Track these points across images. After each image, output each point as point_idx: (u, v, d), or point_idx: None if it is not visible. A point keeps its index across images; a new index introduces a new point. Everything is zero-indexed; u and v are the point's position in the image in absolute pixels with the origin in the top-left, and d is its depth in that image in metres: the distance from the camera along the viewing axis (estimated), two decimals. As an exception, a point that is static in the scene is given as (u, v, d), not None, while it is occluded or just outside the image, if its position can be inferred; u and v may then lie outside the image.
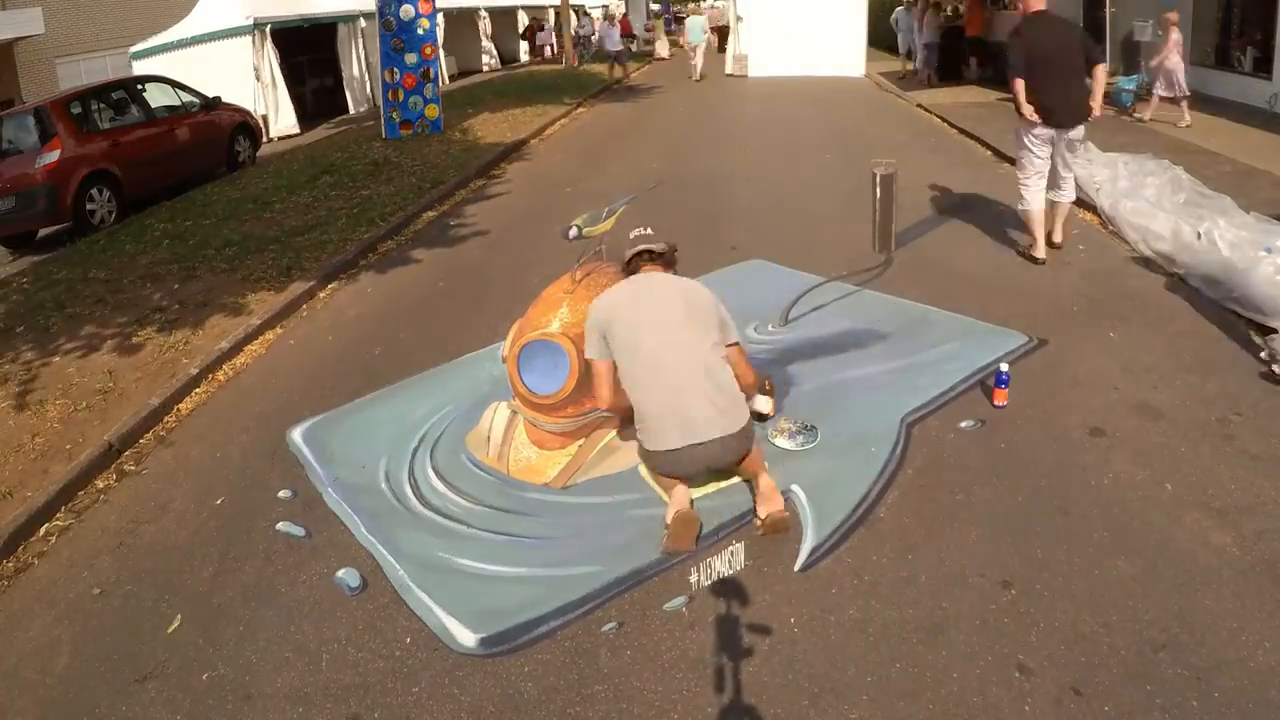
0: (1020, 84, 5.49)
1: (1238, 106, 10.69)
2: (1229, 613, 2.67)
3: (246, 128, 12.17)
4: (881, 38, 23.65)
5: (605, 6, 27.89)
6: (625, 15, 31.18)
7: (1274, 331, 4.42)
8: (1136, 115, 10.68)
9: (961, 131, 10.98)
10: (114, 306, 6.29)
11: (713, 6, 29.10)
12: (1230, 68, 11.58)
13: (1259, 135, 9.11)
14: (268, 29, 14.18)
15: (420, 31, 12.32)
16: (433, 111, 12.79)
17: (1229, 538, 3.00)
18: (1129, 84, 11.19)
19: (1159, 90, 10.04)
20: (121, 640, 2.99)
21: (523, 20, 27.13)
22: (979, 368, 4.32)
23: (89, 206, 9.19)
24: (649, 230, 3.44)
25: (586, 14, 28.88)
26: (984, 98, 13.39)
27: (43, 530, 3.72)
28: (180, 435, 4.48)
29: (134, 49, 15.47)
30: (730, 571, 3.03)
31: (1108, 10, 11.73)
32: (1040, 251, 5.74)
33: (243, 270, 6.83)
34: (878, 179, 5.66)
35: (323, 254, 7.10)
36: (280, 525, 3.53)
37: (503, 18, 25.76)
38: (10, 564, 3.51)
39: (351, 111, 16.62)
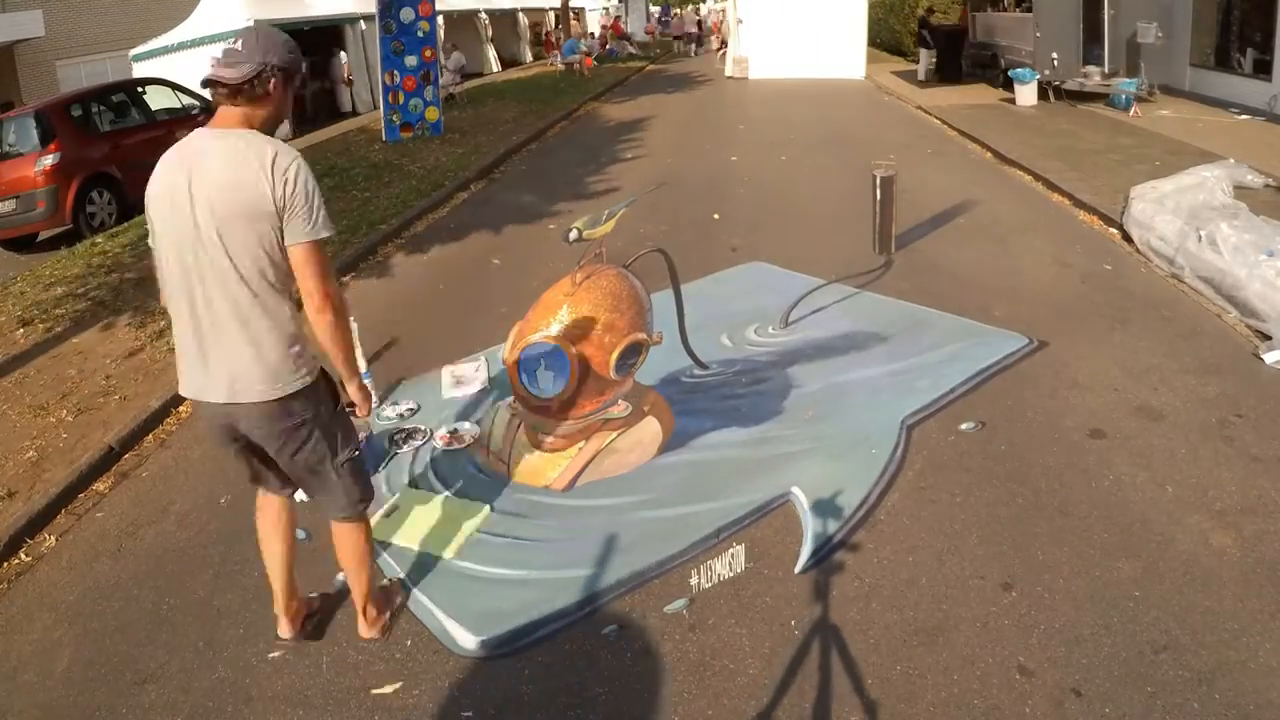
0: None
1: (1237, 108, 10.70)
2: (1230, 614, 2.67)
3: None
4: (883, 39, 23.69)
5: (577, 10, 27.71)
6: (618, 18, 31.31)
7: (1268, 338, 4.41)
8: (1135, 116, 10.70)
9: (962, 134, 10.99)
10: (114, 309, 6.29)
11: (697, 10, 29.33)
12: (1230, 69, 11.59)
13: (1259, 135, 9.11)
14: (268, 31, 14.20)
15: (420, 34, 12.34)
16: (433, 114, 12.81)
17: (1229, 539, 3.00)
18: (1129, 86, 11.21)
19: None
20: (122, 643, 2.98)
21: (523, 21, 27.11)
22: (979, 370, 4.32)
23: (89, 209, 9.20)
24: (238, 44, 2.33)
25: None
26: (984, 98, 13.39)
27: (43, 533, 3.71)
28: (180, 437, 4.48)
29: (134, 51, 15.48)
30: (731, 574, 3.03)
31: (1106, 12, 11.74)
32: None
33: (243, 272, 6.82)
34: (878, 181, 5.68)
35: (323, 256, 7.09)
36: (280, 527, 3.53)
37: (503, 20, 25.77)
38: (11, 566, 3.51)
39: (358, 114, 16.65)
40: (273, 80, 2.31)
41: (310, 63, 17.25)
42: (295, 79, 2.40)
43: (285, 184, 2.21)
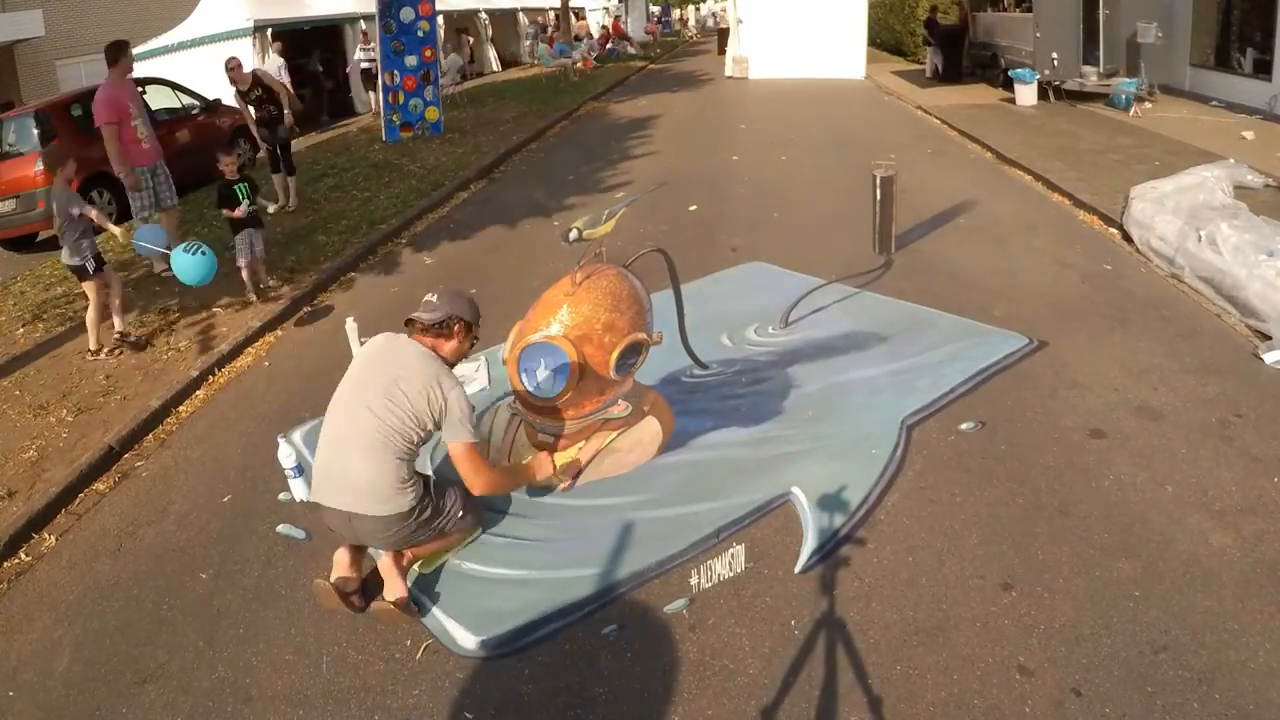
0: None
1: (1237, 108, 10.70)
2: (1229, 614, 2.67)
3: (246, 130, 12.15)
4: (883, 39, 23.69)
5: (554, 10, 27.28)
6: (618, 18, 31.37)
7: (1268, 338, 4.41)
8: (1135, 116, 10.70)
9: (962, 133, 10.98)
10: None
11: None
12: (1230, 69, 11.59)
13: (1259, 135, 9.11)
14: (269, 31, 14.20)
15: (420, 34, 12.33)
16: (433, 114, 12.80)
17: (1229, 539, 3.00)
18: (1129, 86, 11.21)
19: None
20: (122, 643, 2.98)
21: (523, 21, 27.08)
22: (979, 369, 4.32)
23: (89, 209, 9.19)
24: (434, 298, 3.10)
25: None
26: (984, 98, 13.39)
27: (43, 533, 3.72)
28: (180, 437, 4.48)
29: (134, 51, 15.47)
30: (731, 574, 3.03)
31: (1101, 11, 11.74)
32: None
33: (243, 272, 6.83)
34: (878, 181, 5.67)
35: (323, 257, 7.11)
36: (280, 527, 3.53)
37: (503, 20, 25.76)
38: (11, 566, 3.51)
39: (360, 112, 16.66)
40: (456, 325, 3.09)
41: (305, 62, 17.28)
42: (475, 328, 3.22)
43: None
